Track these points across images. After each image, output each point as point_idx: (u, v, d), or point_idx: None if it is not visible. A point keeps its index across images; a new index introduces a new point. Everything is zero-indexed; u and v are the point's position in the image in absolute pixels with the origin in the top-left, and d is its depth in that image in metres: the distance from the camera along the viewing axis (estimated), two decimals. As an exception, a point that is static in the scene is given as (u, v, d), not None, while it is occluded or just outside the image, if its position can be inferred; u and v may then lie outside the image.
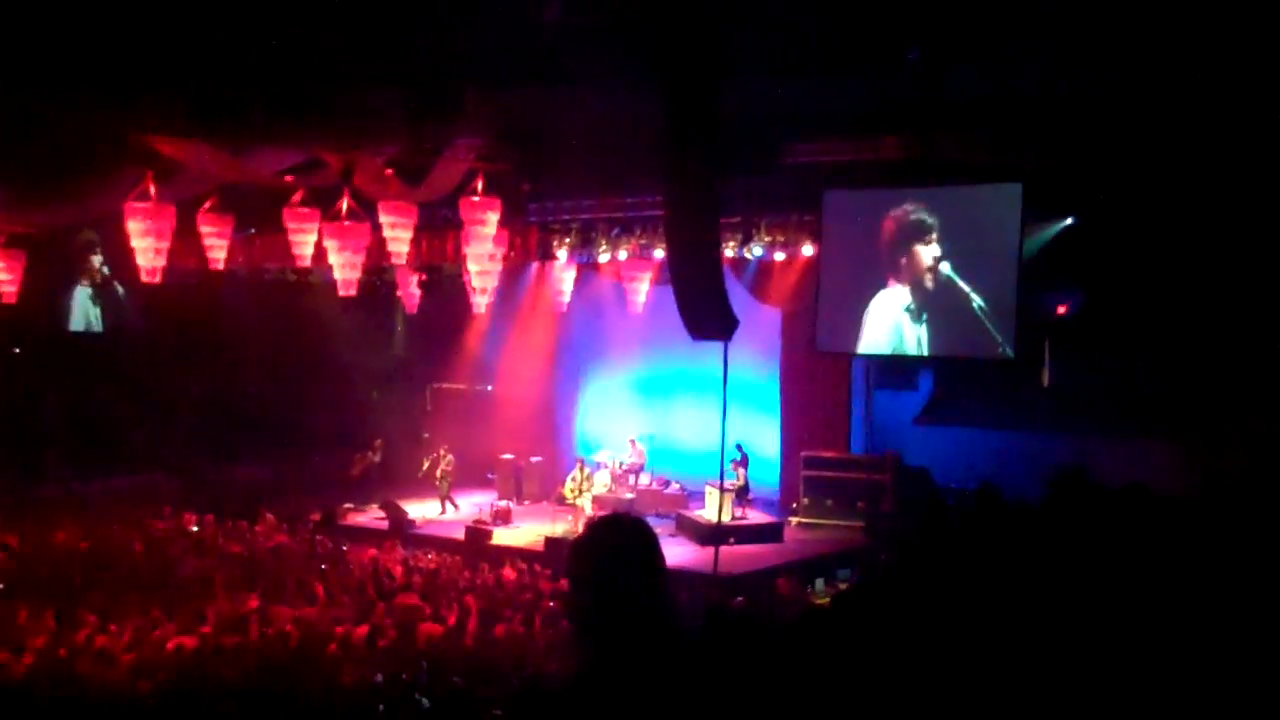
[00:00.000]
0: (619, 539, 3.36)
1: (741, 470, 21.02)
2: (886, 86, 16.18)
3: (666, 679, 3.18)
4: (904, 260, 18.97)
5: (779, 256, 20.85)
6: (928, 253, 18.73)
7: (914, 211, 18.84)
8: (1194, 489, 15.52)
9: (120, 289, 25.80)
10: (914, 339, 19.06)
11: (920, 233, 18.81)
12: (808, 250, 20.33)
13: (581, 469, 22.41)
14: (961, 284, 18.36)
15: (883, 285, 19.16)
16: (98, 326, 26.61)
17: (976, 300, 18.18)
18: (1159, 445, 17.75)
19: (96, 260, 26.00)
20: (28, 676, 10.77)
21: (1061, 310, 19.25)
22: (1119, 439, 17.96)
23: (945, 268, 18.55)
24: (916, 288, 18.90)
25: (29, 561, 17.45)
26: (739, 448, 21.31)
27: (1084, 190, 17.74)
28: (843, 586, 16.62)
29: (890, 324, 19.20)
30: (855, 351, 20.16)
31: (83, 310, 26.56)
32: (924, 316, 18.91)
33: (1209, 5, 13.39)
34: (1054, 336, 19.24)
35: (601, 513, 20.54)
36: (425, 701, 9.76)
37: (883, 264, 19.14)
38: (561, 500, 22.32)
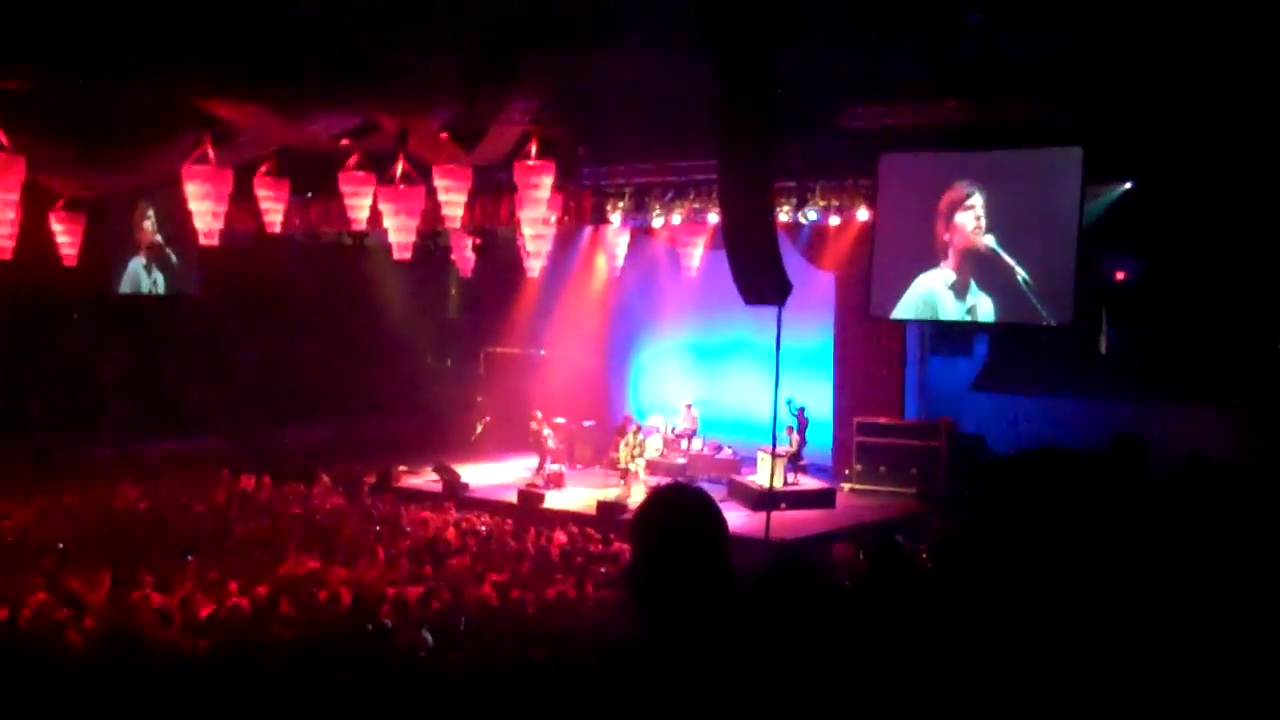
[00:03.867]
0: (684, 508, 3.34)
1: (795, 435, 20.94)
2: (945, 49, 16.02)
3: (725, 644, 3.18)
4: (950, 238, 18.80)
5: (834, 221, 20.70)
6: (974, 230, 18.55)
7: (965, 189, 18.64)
8: (1253, 457, 15.35)
9: (174, 256, 25.94)
10: (970, 307, 18.90)
11: (968, 210, 18.63)
12: (863, 214, 20.16)
13: (635, 433, 22.30)
14: (1006, 257, 18.17)
15: (932, 263, 19.00)
16: (152, 290, 26.80)
17: (1021, 274, 18.00)
18: (1217, 412, 17.55)
19: (149, 226, 26.11)
20: (87, 635, 10.92)
21: (1120, 276, 19.05)
22: (1177, 406, 17.77)
23: (990, 240, 18.36)
24: (962, 266, 18.72)
25: (88, 523, 17.67)
26: (801, 411, 21.24)
27: (1144, 154, 17.51)
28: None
29: (927, 301, 19.08)
30: (908, 317, 20.02)
31: (133, 278, 26.70)
32: (968, 294, 18.75)
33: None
34: (1112, 303, 19.04)
35: (655, 478, 20.60)
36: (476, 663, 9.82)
37: (935, 241, 18.98)
38: (614, 464, 22.33)
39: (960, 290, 18.79)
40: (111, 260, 26.33)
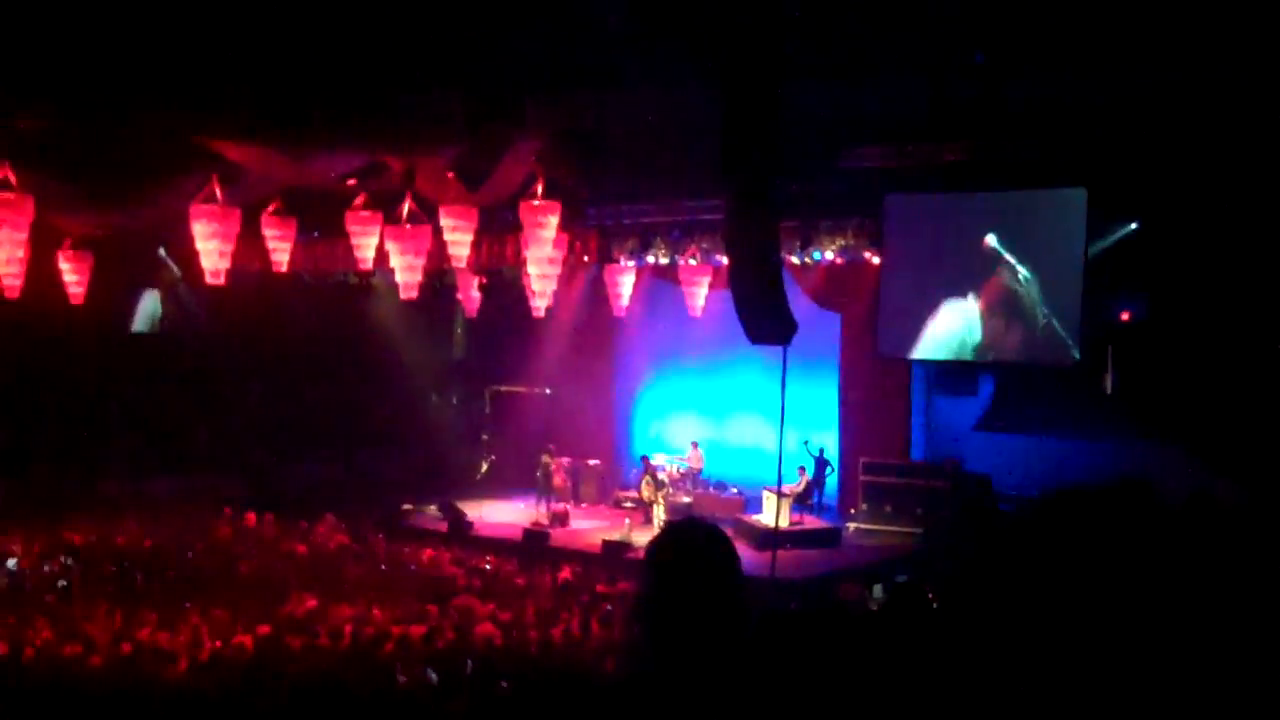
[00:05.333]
0: (699, 543, 3.34)
1: (805, 475, 20.99)
2: (949, 90, 16.10)
3: (728, 682, 3.17)
4: (978, 274, 18.96)
5: (839, 261, 20.77)
6: (1000, 265, 18.73)
7: (987, 226, 18.81)
8: (1258, 497, 15.30)
9: (182, 291, 26.07)
10: (975, 347, 19.06)
11: (995, 247, 18.80)
12: (868, 255, 20.24)
13: (654, 475, 22.19)
14: (1025, 290, 18.30)
15: (954, 294, 19.12)
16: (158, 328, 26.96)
17: (1042, 307, 18.13)
18: (1223, 453, 17.49)
19: (173, 266, 26.25)
20: (92, 673, 10.90)
21: (1125, 316, 19.06)
22: (1182, 446, 17.72)
23: (1008, 275, 18.50)
24: (987, 298, 18.88)
25: (93, 560, 17.65)
26: (821, 452, 21.37)
27: (1148, 195, 17.55)
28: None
29: (954, 333, 19.20)
30: (913, 356, 20.13)
31: (148, 314, 26.87)
32: (990, 325, 18.88)
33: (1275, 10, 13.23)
34: (1118, 343, 19.03)
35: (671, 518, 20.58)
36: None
37: (955, 275, 19.10)
38: (618, 503, 22.28)
39: (983, 323, 18.94)
40: (124, 298, 26.43)
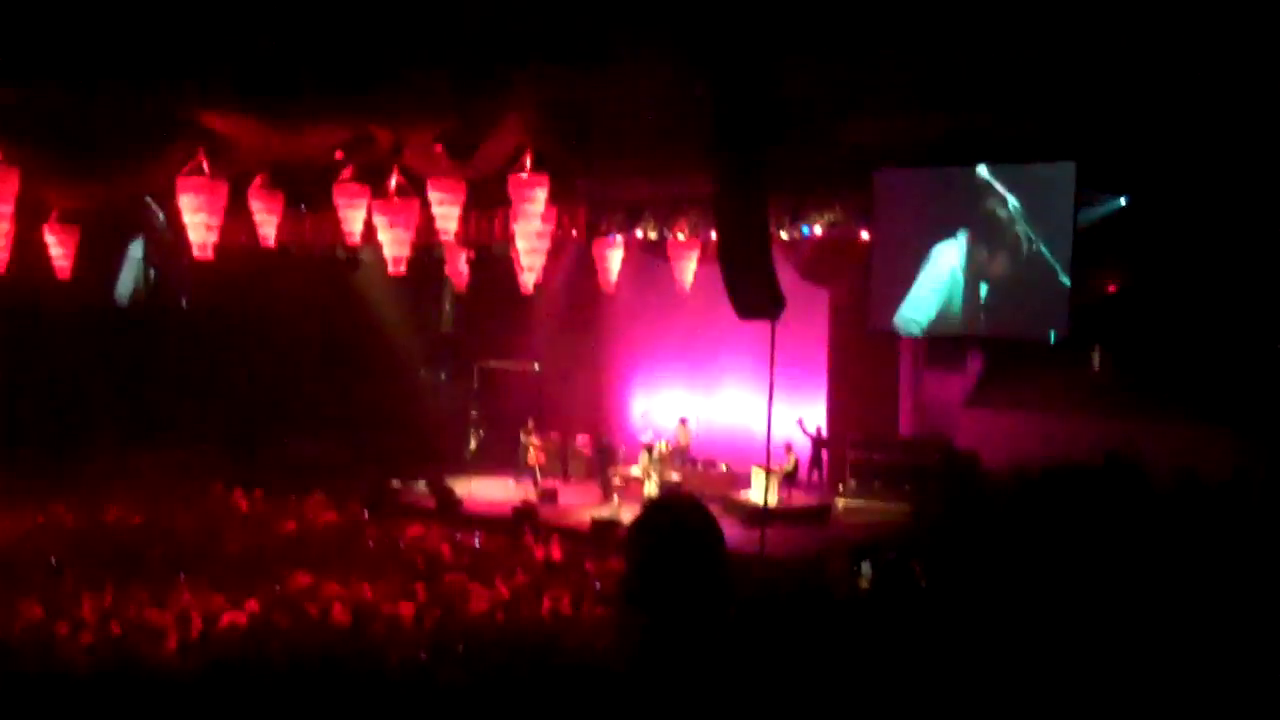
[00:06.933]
0: (680, 519, 3.33)
1: (792, 454, 21.00)
2: (938, 63, 16.02)
3: (716, 660, 3.16)
4: (975, 214, 18.94)
5: (828, 236, 20.71)
6: (1000, 212, 18.71)
7: (976, 201, 18.80)
8: (1244, 475, 15.35)
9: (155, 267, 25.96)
10: (968, 301, 19.06)
11: (991, 194, 18.77)
12: (857, 230, 20.18)
13: (649, 451, 22.21)
14: (1011, 218, 18.41)
15: (947, 236, 19.14)
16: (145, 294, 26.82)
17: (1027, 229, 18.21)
18: (1211, 430, 17.52)
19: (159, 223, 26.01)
20: (81, 652, 10.88)
21: (1113, 292, 19.06)
22: (1170, 423, 17.74)
23: (995, 205, 18.57)
24: (980, 246, 18.87)
25: (80, 537, 17.59)
26: (817, 431, 21.41)
27: (1138, 170, 17.52)
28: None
29: (944, 278, 19.20)
30: (901, 313, 20.05)
31: (130, 283, 26.69)
32: (975, 252, 18.91)
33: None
34: (1105, 319, 19.02)
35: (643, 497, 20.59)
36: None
37: (948, 221, 19.14)
38: (606, 480, 22.32)
39: (974, 273, 18.92)
40: (110, 270, 26.32)
